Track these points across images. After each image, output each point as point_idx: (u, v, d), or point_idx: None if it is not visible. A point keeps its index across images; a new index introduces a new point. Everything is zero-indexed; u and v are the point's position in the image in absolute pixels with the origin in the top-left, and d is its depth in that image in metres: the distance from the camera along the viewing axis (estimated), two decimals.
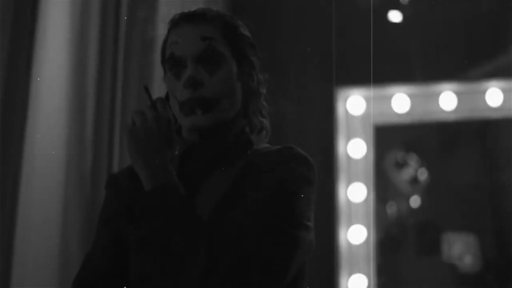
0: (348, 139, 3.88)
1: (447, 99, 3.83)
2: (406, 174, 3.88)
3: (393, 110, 3.88)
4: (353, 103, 3.91)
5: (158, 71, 2.78)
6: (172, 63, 1.62)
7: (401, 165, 3.89)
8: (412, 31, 3.88)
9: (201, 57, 1.60)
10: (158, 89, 1.58)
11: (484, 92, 3.81)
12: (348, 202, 3.81)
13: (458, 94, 3.84)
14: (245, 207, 1.50)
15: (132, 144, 1.49)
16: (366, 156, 3.87)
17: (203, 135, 1.62)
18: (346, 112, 3.91)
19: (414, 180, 3.86)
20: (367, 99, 3.90)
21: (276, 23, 3.67)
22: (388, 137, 3.93)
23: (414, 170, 3.87)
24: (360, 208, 3.82)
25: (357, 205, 3.82)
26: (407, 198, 3.87)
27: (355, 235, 3.79)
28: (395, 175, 3.88)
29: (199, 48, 1.60)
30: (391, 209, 3.89)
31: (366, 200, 3.83)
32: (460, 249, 3.75)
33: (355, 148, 3.86)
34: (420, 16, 3.88)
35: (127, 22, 2.98)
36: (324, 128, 3.84)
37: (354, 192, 3.82)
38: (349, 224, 3.80)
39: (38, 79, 2.63)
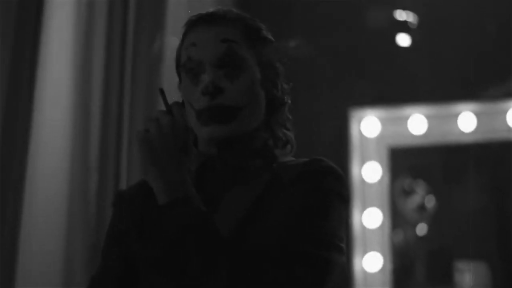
0: (363, 162, 3.75)
1: (466, 120, 3.70)
2: (413, 201, 3.75)
3: (409, 132, 3.75)
4: (368, 124, 3.77)
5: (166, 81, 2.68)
6: (189, 68, 1.47)
7: (408, 192, 3.76)
8: (427, 51, 3.79)
9: (221, 61, 1.45)
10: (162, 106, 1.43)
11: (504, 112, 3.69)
12: (363, 228, 3.67)
13: (477, 114, 3.72)
14: (270, 226, 1.36)
15: (145, 153, 1.33)
16: (381, 180, 3.73)
17: (222, 147, 1.48)
18: (360, 133, 3.78)
19: (421, 208, 3.74)
20: (382, 120, 3.77)
21: (287, 35, 3.55)
22: (404, 160, 3.80)
23: (421, 197, 3.76)
24: (376, 235, 3.68)
25: (373, 231, 3.68)
26: (414, 226, 3.78)
27: (370, 262, 3.64)
28: (402, 202, 3.75)
29: (219, 51, 1.45)
30: (405, 235, 3.75)
31: (381, 226, 3.69)
32: (472, 279, 3.64)
33: (370, 172, 3.73)
34: (431, 38, 3.79)
35: (134, 31, 2.85)
36: (337, 150, 3.72)
37: (369, 218, 3.67)
38: (365, 251, 3.66)
39: (42, 91, 2.55)
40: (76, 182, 2.74)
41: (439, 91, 3.74)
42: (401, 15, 3.86)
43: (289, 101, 1.58)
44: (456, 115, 3.73)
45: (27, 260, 2.50)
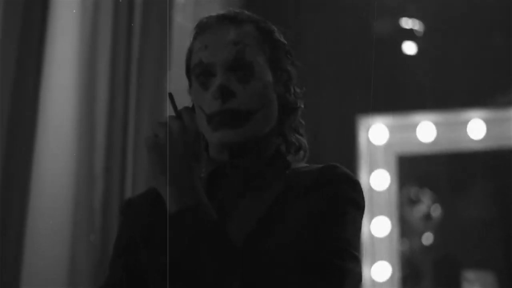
0: (371, 170, 3.71)
1: (475, 127, 3.66)
2: (419, 210, 3.73)
3: (418, 139, 3.71)
4: (376, 132, 3.73)
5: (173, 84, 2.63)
6: (200, 71, 1.43)
7: (414, 201, 3.72)
8: (436, 58, 3.76)
9: (233, 64, 1.41)
10: (170, 111, 1.38)
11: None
12: (371, 237, 3.62)
13: (486, 121, 3.68)
14: (284, 234, 1.31)
15: (154, 160, 1.28)
16: (389, 188, 3.69)
17: (234, 153, 1.43)
18: (368, 141, 3.73)
19: (427, 217, 3.72)
20: (390, 128, 3.73)
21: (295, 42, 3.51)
22: (413, 168, 3.76)
23: (427, 206, 3.73)
24: (384, 243, 3.63)
25: (381, 240, 3.63)
26: (421, 235, 3.75)
27: (379, 272, 3.59)
28: (408, 211, 3.71)
29: (230, 53, 1.41)
30: (412, 244, 3.71)
31: (390, 235, 3.64)
32: None
33: (378, 180, 3.68)
34: (439, 45, 3.77)
35: (140, 38, 2.82)
36: (345, 158, 3.67)
37: (378, 227, 3.63)
38: (373, 260, 3.60)
39: (46, 99, 2.53)
40: (81, 189, 2.70)
41: (448, 98, 3.70)
42: (407, 23, 3.83)
43: (302, 106, 1.53)
44: (465, 123, 3.69)
45: (32, 269, 2.48)
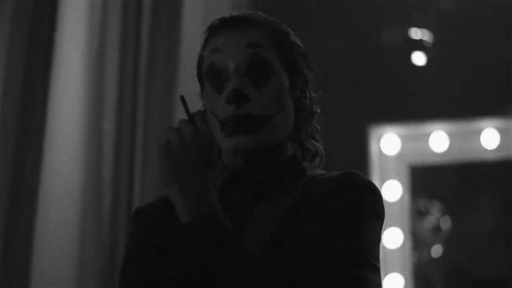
0: (382, 180, 3.66)
1: (489, 137, 3.61)
2: (428, 222, 3.68)
3: (431, 149, 3.66)
4: (388, 141, 3.68)
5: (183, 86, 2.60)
6: (212, 75, 1.38)
7: (423, 213, 3.68)
8: (448, 67, 3.72)
9: (247, 67, 1.36)
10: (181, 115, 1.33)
11: None
12: (384, 248, 3.57)
13: (500, 131, 3.63)
14: (302, 243, 1.27)
15: (166, 166, 1.23)
16: (401, 199, 3.64)
17: (248, 160, 1.38)
18: (380, 151, 3.68)
19: (437, 229, 3.68)
20: (402, 138, 3.68)
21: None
22: (425, 178, 3.71)
23: (436, 218, 3.69)
24: (397, 255, 3.58)
25: (393, 252, 3.57)
26: (431, 247, 3.69)
27: (392, 284, 3.54)
28: (418, 223, 3.66)
29: (244, 56, 1.36)
30: (424, 256, 3.67)
31: (402, 247, 3.59)
32: None
33: (390, 191, 3.63)
34: (450, 55, 3.74)
35: (148, 40, 2.78)
36: (356, 168, 3.60)
37: (390, 238, 3.57)
38: (385, 272, 3.55)
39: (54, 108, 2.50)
40: (89, 199, 2.68)
41: (461, 107, 3.66)
42: (417, 33, 3.80)
43: (318, 111, 1.48)
44: (478, 132, 3.63)
45: (40, 279, 2.46)
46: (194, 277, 1.18)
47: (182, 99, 1.28)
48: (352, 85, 3.67)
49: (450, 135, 3.66)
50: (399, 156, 3.70)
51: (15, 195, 2.50)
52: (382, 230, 1.37)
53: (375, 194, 1.36)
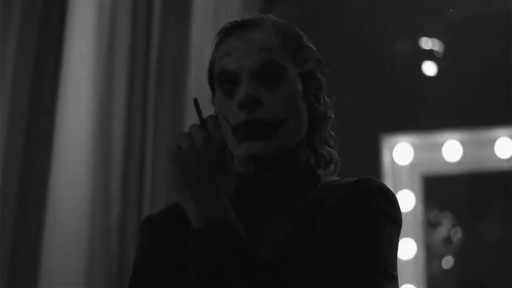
0: (395, 190, 3.62)
1: (503, 146, 3.57)
2: (440, 234, 3.66)
3: (444, 159, 3.62)
4: (400, 151, 3.65)
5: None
6: (224, 79, 1.35)
7: (434, 225, 3.68)
8: (461, 76, 3.69)
9: (259, 72, 1.33)
10: (192, 120, 1.30)
11: None
12: (397, 259, 3.52)
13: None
14: (316, 252, 1.23)
15: (177, 172, 1.20)
16: (414, 209, 3.60)
17: (260, 166, 1.35)
18: (393, 161, 3.65)
19: (447, 240, 3.66)
20: (415, 147, 3.64)
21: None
22: (438, 188, 3.68)
23: (447, 229, 3.67)
24: (410, 266, 3.54)
25: (406, 263, 3.53)
26: (440, 259, 3.67)
27: None
28: (429, 234, 3.62)
29: (257, 60, 1.32)
30: (436, 267, 3.64)
31: (415, 257, 3.55)
32: None
33: (403, 201, 3.60)
34: (463, 64, 3.71)
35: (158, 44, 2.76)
36: None
37: (403, 249, 3.53)
38: (399, 284, 3.50)
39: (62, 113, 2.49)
40: (97, 210, 2.66)
41: (474, 116, 3.63)
42: (427, 43, 3.78)
43: (332, 116, 1.45)
44: (492, 141, 3.60)
45: None
46: (206, 285, 1.15)
47: (196, 102, 1.24)
48: (364, 95, 3.65)
49: (464, 144, 3.63)
50: (412, 165, 3.67)
51: (23, 205, 2.48)
52: (399, 238, 1.33)
53: (392, 200, 1.32)
